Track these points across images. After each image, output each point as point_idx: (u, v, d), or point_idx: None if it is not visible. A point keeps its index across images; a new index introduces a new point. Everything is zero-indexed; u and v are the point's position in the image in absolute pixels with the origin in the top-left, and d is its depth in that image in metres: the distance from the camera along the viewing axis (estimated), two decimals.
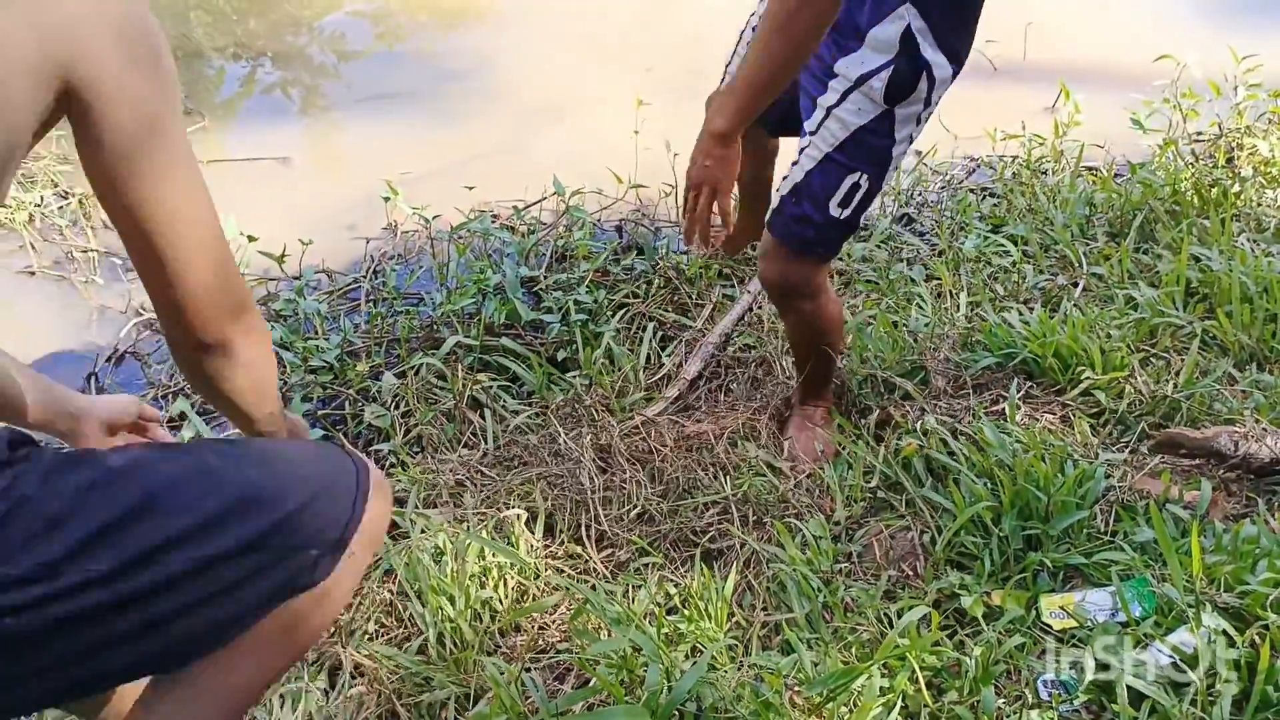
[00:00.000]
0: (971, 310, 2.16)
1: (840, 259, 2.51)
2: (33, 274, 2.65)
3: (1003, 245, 2.43)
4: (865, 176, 1.49)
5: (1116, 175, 2.98)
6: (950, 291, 2.27)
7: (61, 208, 2.87)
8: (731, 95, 1.41)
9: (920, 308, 2.22)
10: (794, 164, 1.55)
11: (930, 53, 1.40)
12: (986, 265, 2.39)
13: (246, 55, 4.24)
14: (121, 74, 0.76)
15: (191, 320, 0.85)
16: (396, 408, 2.11)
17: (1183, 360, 1.91)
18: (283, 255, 2.47)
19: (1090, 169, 3.02)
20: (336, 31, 4.58)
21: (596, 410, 1.93)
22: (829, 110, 1.48)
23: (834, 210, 1.51)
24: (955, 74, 1.47)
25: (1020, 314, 2.09)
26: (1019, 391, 1.86)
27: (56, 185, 2.95)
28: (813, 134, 1.51)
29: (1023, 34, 3.83)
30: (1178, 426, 1.74)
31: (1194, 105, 3.11)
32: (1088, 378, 1.83)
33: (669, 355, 2.25)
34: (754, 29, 1.71)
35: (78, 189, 2.95)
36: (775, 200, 1.58)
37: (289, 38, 4.48)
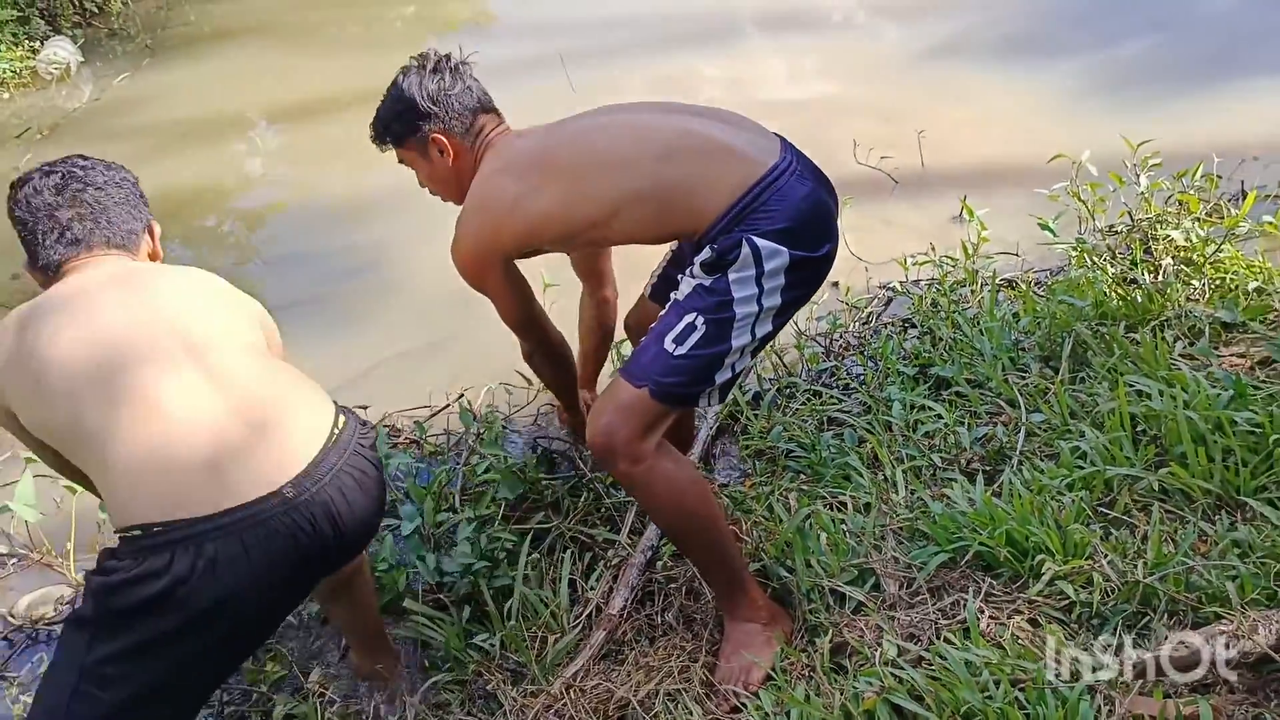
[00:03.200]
0: (911, 494, 1.97)
1: (761, 437, 2.33)
2: None
3: (932, 407, 2.26)
4: (700, 319, 1.61)
5: (1036, 285, 2.86)
6: (888, 466, 2.09)
7: None
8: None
9: (858, 490, 2.03)
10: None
11: (754, 238, 1.59)
12: (920, 425, 2.22)
13: None
14: None
15: None
16: None
17: (1148, 521, 1.74)
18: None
19: (1009, 284, 2.90)
20: (228, 238, 4.40)
21: (503, 694, 1.69)
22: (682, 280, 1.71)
23: (668, 344, 1.61)
24: (802, 258, 1.62)
25: (964, 488, 1.92)
26: (978, 595, 1.66)
27: None
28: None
29: (917, 143, 3.79)
30: (1158, 615, 1.55)
31: (1098, 199, 3.04)
32: (1048, 568, 1.64)
33: (596, 578, 2.03)
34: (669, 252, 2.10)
35: None
36: None
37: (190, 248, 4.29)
